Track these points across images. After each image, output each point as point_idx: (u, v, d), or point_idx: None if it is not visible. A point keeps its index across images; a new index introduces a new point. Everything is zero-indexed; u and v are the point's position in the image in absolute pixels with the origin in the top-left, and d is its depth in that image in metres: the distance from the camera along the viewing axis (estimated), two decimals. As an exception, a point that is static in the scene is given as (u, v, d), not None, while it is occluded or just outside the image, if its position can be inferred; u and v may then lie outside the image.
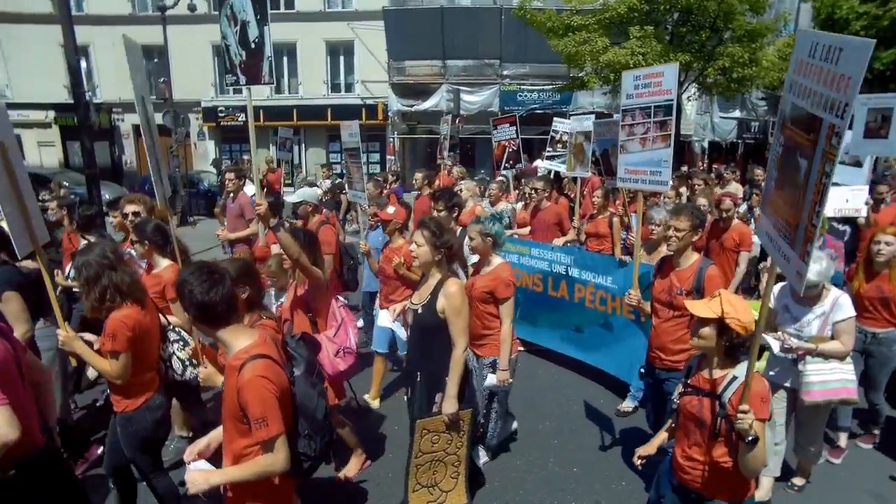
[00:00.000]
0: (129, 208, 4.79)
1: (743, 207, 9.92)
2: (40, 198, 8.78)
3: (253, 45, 3.63)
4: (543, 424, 4.99)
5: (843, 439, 4.50)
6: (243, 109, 22.29)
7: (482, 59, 21.05)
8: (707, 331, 2.44)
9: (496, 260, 3.97)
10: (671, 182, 5.13)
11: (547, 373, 6.04)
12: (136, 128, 22.98)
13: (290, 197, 6.03)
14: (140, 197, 5.02)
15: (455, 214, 5.22)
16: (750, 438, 2.16)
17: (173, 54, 19.36)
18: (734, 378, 2.37)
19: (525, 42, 19.21)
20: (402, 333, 3.83)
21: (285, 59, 22.75)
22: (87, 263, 2.94)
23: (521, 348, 6.44)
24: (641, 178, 4.20)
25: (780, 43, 17.47)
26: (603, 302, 5.62)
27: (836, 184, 7.53)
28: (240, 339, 2.26)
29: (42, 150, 23.01)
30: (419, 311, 3.31)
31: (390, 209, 4.96)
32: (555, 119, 9.72)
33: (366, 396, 5.21)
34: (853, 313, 3.58)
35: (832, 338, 3.58)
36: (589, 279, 5.72)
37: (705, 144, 23.47)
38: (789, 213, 1.98)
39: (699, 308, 2.48)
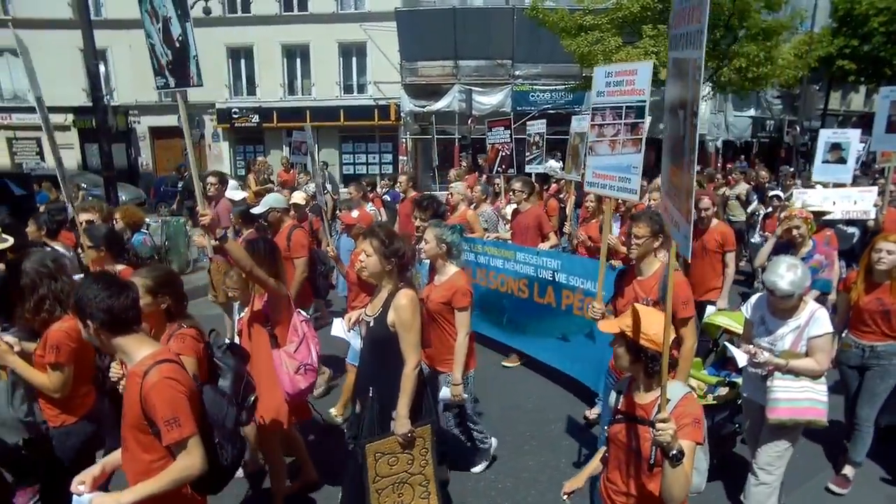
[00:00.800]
0: (83, 216, 4.70)
1: (751, 207, 9.84)
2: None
3: (177, 44, 3.33)
4: (555, 426, 5.00)
5: (849, 470, 4.13)
6: (257, 111, 22.69)
7: (494, 59, 21.05)
8: (619, 350, 2.26)
9: (451, 269, 3.81)
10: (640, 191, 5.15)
11: (557, 373, 6.06)
12: (152, 130, 23.33)
13: (256, 208, 5.67)
14: (94, 204, 4.95)
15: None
16: (673, 452, 1.94)
17: (189, 57, 19.64)
18: (668, 401, 2.10)
19: (537, 42, 19.19)
20: (357, 344, 3.60)
21: (298, 60, 22.93)
22: (25, 271, 2.85)
23: (509, 364, 6.29)
24: (610, 183, 3.90)
25: (796, 41, 17.32)
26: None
27: (819, 183, 7.43)
28: (143, 348, 2.16)
29: (61, 153, 23.35)
30: (371, 323, 3.14)
31: (354, 213, 4.91)
32: (528, 122, 9.56)
33: (332, 410, 5.02)
34: (830, 329, 3.28)
35: (806, 354, 3.29)
36: (577, 285, 5.33)
37: (719, 144, 23.27)
38: (678, 181, 2.00)
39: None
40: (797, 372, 3.26)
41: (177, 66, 3.36)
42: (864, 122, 30.71)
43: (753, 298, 3.58)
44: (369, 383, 3.12)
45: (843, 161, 7.16)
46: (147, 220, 6.57)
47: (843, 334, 4.13)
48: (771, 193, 8.43)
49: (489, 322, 6.35)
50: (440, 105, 20.83)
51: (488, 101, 20.66)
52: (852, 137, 7.18)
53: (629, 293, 3.51)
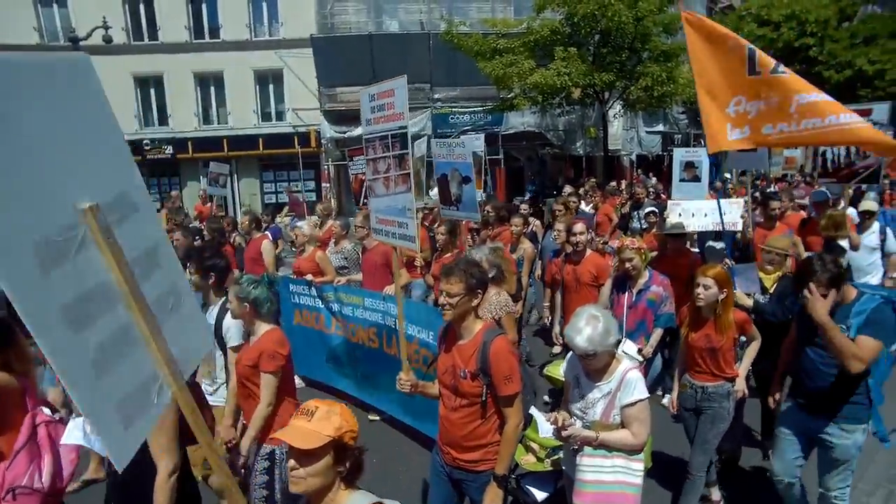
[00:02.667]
0: None
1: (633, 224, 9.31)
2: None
3: None
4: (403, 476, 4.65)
5: (715, 493, 4.05)
6: (171, 141, 21.73)
7: (413, 83, 21.19)
8: (317, 466, 1.70)
9: (262, 328, 3.39)
10: (419, 239, 4.86)
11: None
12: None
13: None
14: None
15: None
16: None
17: (90, 87, 18.56)
18: None
19: (454, 65, 19.54)
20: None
21: (213, 88, 22.21)
22: None
23: (374, 418, 5.51)
24: (390, 230, 3.32)
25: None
26: (426, 361, 4.48)
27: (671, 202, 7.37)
28: None
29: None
30: None
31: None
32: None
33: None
34: (644, 395, 2.80)
35: (621, 425, 2.82)
36: (413, 334, 4.61)
37: (633, 158, 24.42)
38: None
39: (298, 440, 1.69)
40: (610, 447, 2.80)
41: None
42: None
43: (570, 353, 3.05)
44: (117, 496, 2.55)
45: (697, 179, 7.36)
46: None
47: (682, 375, 3.91)
48: (646, 210, 8.22)
49: (344, 376, 5.83)
50: (360, 130, 20.66)
51: (409, 125, 20.75)
52: (703, 155, 7.20)
53: (446, 361, 2.87)
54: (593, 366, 2.83)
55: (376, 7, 21.55)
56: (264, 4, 21.81)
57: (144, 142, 21.66)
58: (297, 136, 21.63)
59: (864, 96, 26.33)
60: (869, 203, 6.95)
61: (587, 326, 2.72)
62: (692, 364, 3.74)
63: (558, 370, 3.78)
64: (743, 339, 3.97)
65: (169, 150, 21.75)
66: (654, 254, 7.15)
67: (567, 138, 22.24)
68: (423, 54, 20.26)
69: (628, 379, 2.80)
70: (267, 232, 8.00)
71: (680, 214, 6.03)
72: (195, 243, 6.68)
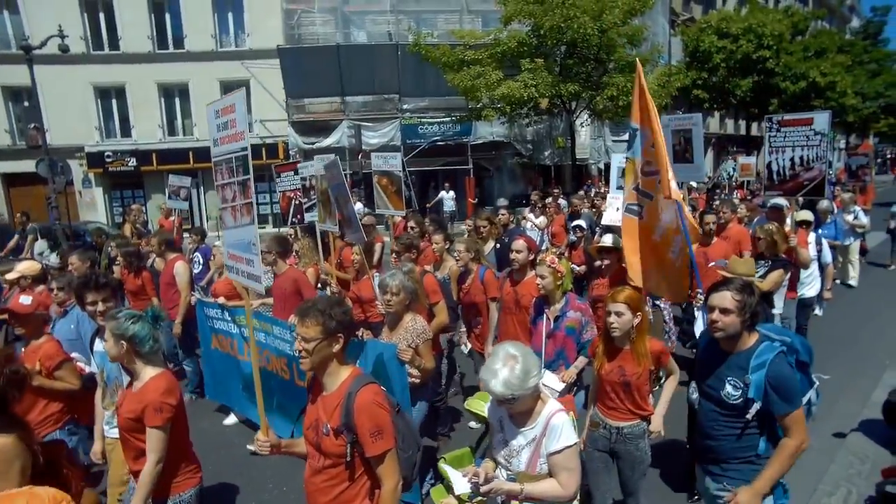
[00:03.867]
0: None
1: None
2: None
3: None
4: None
5: None
6: (133, 153, 21.21)
7: (381, 94, 21.22)
8: None
9: (146, 372, 2.85)
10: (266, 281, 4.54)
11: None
12: (5, 176, 21.00)
13: (9, 273, 4.97)
14: None
15: None
16: None
17: (47, 97, 18.01)
18: None
19: (423, 76, 19.61)
20: None
21: (177, 99, 21.82)
22: None
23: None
24: (241, 268, 2.94)
25: (657, 72, 18.97)
26: None
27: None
28: None
29: None
30: None
31: (23, 299, 3.82)
32: (304, 163, 8.16)
33: None
34: (572, 440, 2.47)
35: (549, 474, 2.49)
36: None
37: (601, 166, 24.81)
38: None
39: None
40: (537, 500, 2.50)
41: None
42: (719, 142, 34.23)
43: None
44: None
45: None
46: None
47: (591, 410, 3.46)
48: (574, 223, 7.71)
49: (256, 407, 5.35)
50: (329, 141, 20.58)
51: (377, 135, 20.74)
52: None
53: (311, 414, 2.51)
54: (515, 410, 2.51)
55: (343, 18, 21.54)
56: (230, 15, 21.59)
57: (106, 154, 21.11)
58: (265, 147, 21.37)
59: (817, 106, 27.44)
60: (804, 213, 6.73)
61: (503, 368, 2.37)
62: (605, 400, 3.32)
63: (481, 404, 3.21)
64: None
65: (132, 162, 21.22)
66: (583, 268, 6.78)
67: (535, 148, 22.49)
68: (392, 65, 20.29)
69: (553, 425, 2.46)
70: (184, 252, 7.51)
71: (618, 209, 5.54)
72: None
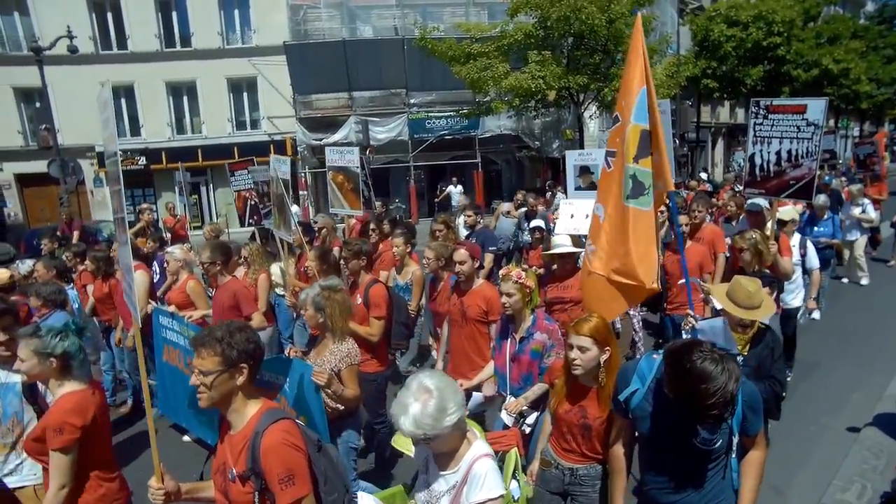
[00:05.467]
0: None
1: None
2: None
3: None
4: None
5: None
6: (143, 152, 21.38)
7: (388, 89, 21.18)
8: None
9: (64, 389, 2.67)
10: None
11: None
12: (19, 177, 21.24)
13: None
14: None
15: None
16: None
17: (58, 97, 18.16)
18: None
19: (430, 70, 19.53)
20: None
21: (185, 97, 21.94)
22: None
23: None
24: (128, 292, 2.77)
25: (666, 63, 18.76)
26: None
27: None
28: None
29: None
30: None
31: None
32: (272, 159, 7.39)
33: None
34: (496, 492, 2.15)
35: None
36: (277, 381, 3.63)
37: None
38: None
39: None
40: None
41: None
42: (730, 133, 33.86)
43: None
44: None
45: (594, 187, 5.54)
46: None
47: (543, 445, 3.12)
48: (532, 224, 7.31)
49: (202, 423, 4.82)
50: (337, 137, 20.59)
51: (385, 130, 20.72)
52: (599, 159, 5.61)
53: (220, 455, 2.23)
54: (436, 450, 2.22)
55: (349, 13, 21.48)
56: (236, 12, 21.61)
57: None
58: (273, 144, 21.42)
59: (830, 93, 27.02)
60: (788, 211, 6.01)
61: (415, 403, 2.05)
62: (559, 440, 2.94)
63: (409, 441, 2.69)
64: None
65: (142, 160, 21.39)
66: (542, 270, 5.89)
67: (544, 141, 22.36)
68: (398, 60, 20.23)
69: (474, 472, 2.14)
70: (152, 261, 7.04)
71: (572, 216, 5.20)
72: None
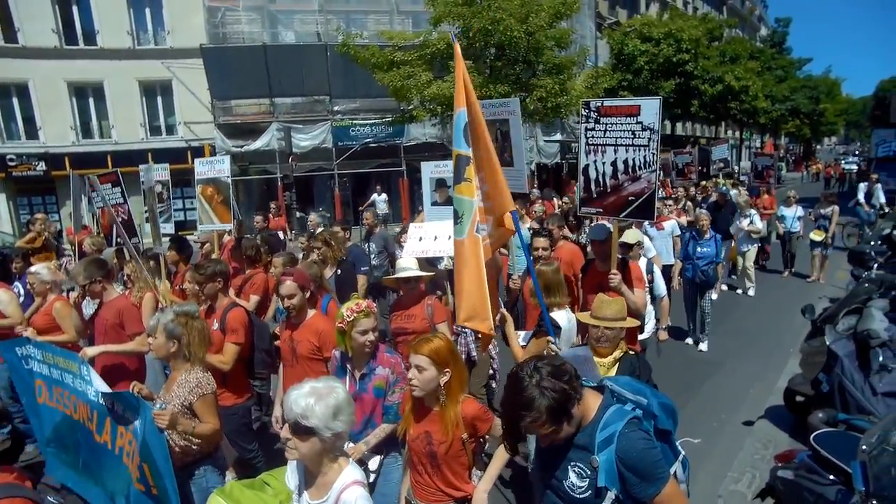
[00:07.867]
0: None
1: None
2: None
3: None
4: None
5: None
6: (43, 157, 19.82)
7: (311, 95, 20.76)
8: None
9: None
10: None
11: None
12: None
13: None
14: None
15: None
16: None
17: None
18: None
19: (353, 77, 19.31)
20: None
21: (91, 100, 20.53)
22: None
23: None
24: None
25: (584, 74, 19.49)
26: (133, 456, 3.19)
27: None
28: None
29: None
30: None
31: None
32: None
33: None
34: None
35: None
36: (131, 419, 3.16)
37: (533, 167, 25.27)
38: None
39: None
40: None
41: None
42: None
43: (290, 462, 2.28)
44: None
45: (451, 202, 4.79)
46: None
47: (405, 482, 2.92)
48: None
49: (64, 463, 4.02)
50: (258, 144, 19.95)
51: (308, 137, 20.27)
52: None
53: None
54: (308, 463, 2.14)
55: (270, 17, 20.95)
56: (147, 11, 20.51)
57: (9, 157, 19.61)
58: (191, 150, 20.48)
59: (734, 108, 29.03)
60: (631, 234, 5.44)
61: (318, 393, 2.04)
62: (413, 473, 2.74)
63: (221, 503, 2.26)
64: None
65: (41, 166, 19.81)
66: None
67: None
68: (321, 66, 19.87)
69: (344, 501, 2.05)
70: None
71: (421, 238, 4.89)
72: None
